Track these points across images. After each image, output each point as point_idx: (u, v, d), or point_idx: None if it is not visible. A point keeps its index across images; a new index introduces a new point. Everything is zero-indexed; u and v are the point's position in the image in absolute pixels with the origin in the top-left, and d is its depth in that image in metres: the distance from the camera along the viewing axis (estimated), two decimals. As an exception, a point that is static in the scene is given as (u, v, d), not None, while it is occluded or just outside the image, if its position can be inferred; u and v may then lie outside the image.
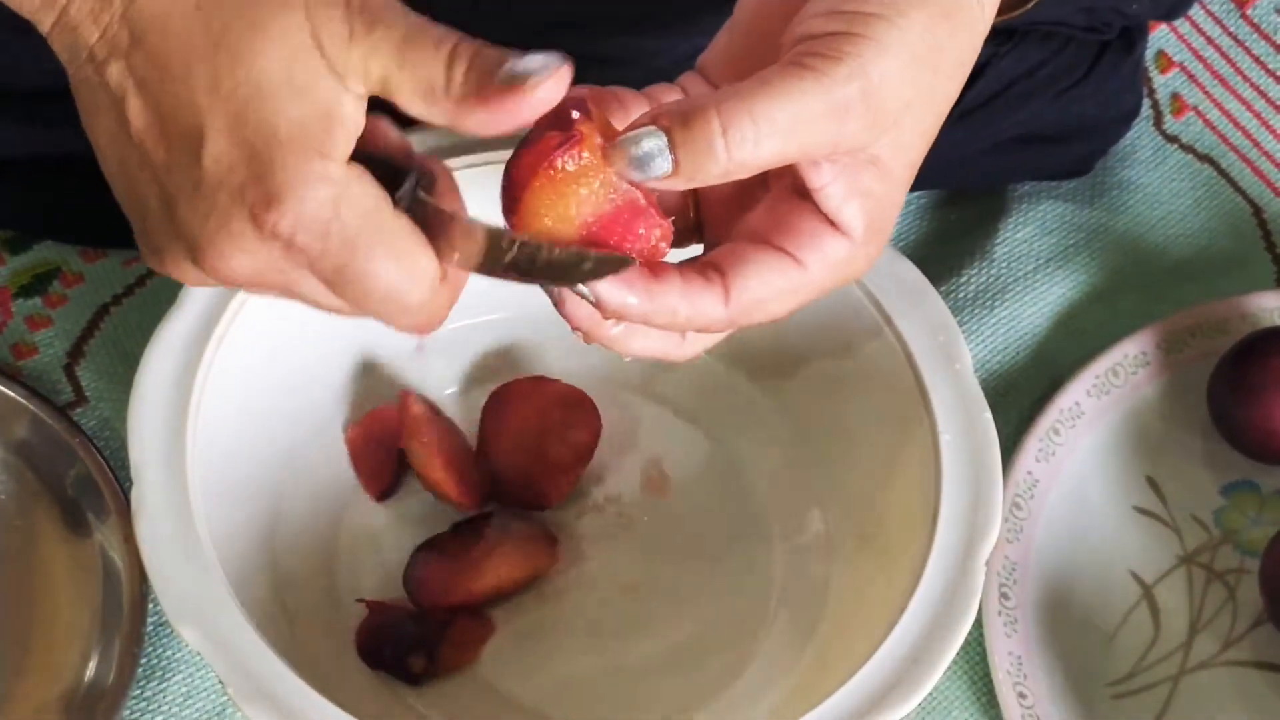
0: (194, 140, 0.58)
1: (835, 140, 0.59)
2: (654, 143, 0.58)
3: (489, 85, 0.57)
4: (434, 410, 0.83)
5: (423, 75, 0.58)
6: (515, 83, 0.56)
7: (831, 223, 0.62)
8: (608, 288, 0.60)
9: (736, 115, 0.57)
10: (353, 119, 0.59)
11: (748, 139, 0.57)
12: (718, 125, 0.57)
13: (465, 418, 0.84)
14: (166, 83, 0.58)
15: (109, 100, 0.60)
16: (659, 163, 0.58)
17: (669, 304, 0.60)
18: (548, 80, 0.57)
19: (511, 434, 0.81)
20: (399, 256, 0.59)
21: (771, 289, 0.62)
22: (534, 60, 0.57)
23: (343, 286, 0.59)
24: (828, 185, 0.60)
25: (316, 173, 0.57)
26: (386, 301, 0.60)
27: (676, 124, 0.58)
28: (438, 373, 0.85)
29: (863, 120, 0.58)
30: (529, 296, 0.62)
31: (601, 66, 0.81)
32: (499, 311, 0.84)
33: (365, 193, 0.59)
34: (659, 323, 0.61)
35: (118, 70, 0.59)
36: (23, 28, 0.79)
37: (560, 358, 0.85)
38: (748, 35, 0.64)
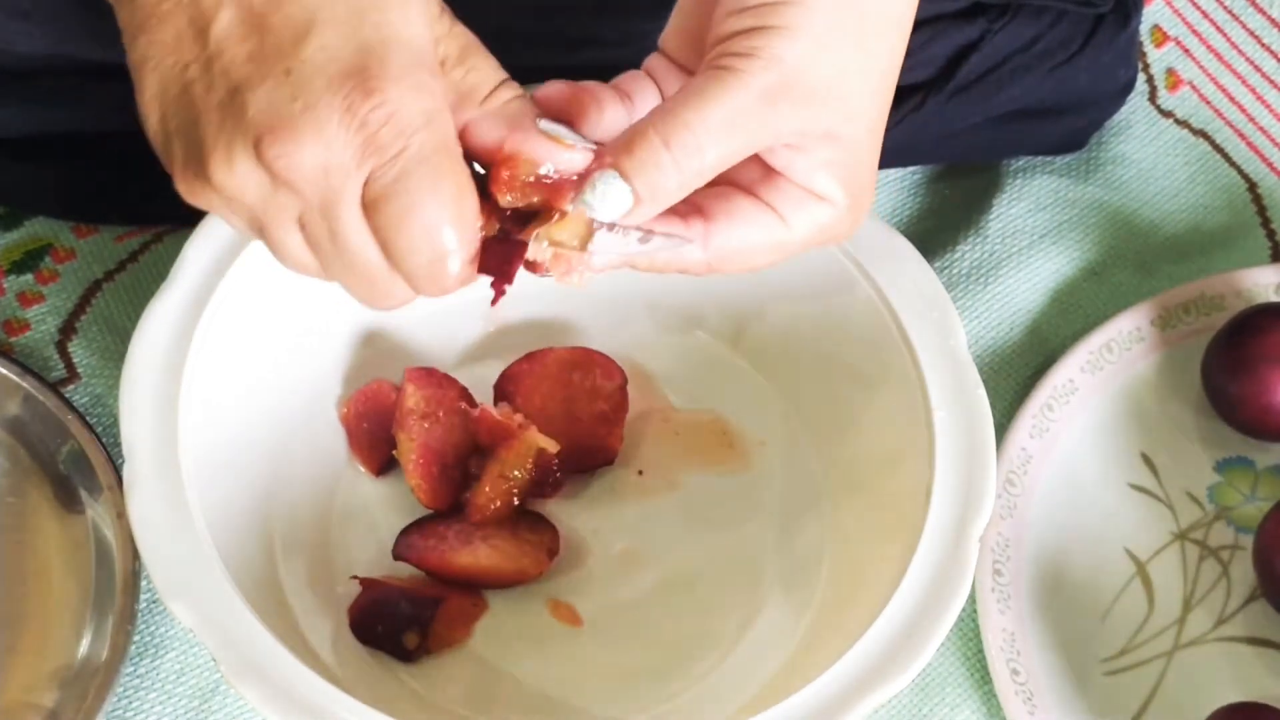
0: (298, 31, 0.59)
1: (774, 128, 0.61)
2: (608, 183, 0.60)
3: (528, 120, 0.61)
4: (441, 385, 0.81)
5: (472, 80, 0.62)
6: (555, 136, 0.61)
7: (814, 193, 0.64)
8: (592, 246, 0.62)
9: (674, 128, 0.60)
10: None
11: (690, 148, 0.60)
12: (659, 142, 0.60)
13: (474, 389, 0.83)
14: None
15: (186, 3, 0.60)
16: (619, 199, 0.61)
17: (647, 250, 0.63)
18: (582, 152, 0.61)
19: (540, 417, 0.81)
20: (456, 195, 0.60)
21: (752, 242, 0.64)
22: (566, 131, 0.62)
23: (389, 201, 0.59)
24: (792, 166, 0.63)
25: (424, 83, 0.59)
26: (419, 234, 0.60)
27: (621, 155, 0.60)
28: (430, 346, 0.85)
29: (793, 102, 0.61)
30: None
31: (595, 47, 0.81)
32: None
33: (450, 125, 0.61)
34: (642, 266, 0.64)
35: None
36: (18, 10, 0.79)
37: (556, 325, 0.86)
38: (695, 12, 0.65)
